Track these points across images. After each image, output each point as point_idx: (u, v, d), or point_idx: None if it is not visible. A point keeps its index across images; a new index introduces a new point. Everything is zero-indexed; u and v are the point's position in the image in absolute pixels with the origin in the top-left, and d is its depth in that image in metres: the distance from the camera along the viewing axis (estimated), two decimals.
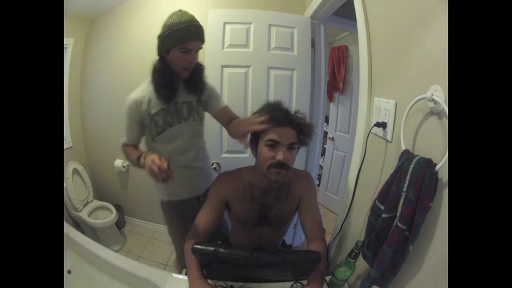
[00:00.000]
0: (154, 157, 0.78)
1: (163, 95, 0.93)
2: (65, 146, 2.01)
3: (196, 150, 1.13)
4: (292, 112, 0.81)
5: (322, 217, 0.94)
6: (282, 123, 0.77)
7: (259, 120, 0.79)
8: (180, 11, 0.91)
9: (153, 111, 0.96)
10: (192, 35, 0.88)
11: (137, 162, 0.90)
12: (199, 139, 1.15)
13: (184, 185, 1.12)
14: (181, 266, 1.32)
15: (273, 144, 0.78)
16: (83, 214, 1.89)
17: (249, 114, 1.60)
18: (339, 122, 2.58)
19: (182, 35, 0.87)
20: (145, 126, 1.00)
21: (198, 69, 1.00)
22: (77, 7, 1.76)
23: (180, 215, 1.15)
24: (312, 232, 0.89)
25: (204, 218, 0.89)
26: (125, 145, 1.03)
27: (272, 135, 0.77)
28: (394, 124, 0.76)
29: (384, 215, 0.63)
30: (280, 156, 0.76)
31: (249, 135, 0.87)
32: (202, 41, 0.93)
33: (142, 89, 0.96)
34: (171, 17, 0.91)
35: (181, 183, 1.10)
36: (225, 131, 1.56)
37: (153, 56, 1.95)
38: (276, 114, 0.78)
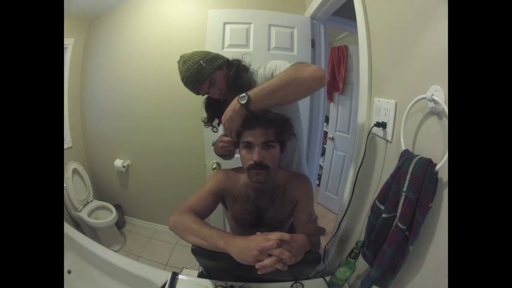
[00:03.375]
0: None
1: None
2: (65, 146, 2.02)
3: None
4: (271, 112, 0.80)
5: (322, 217, 0.94)
6: (252, 124, 0.77)
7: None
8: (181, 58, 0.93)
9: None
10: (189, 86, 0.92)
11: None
12: None
13: None
14: None
15: (248, 146, 0.79)
16: (83, 214, 1.89)
17: None
18: (339, 122, 2.58)
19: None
20: None
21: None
22: (77, 7, 1.77)
23: None
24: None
25: (194, 198, 0.84)
26: None
27: (245, 137, 0.78)
28: (394, 124, 0.76)
29: (384, 215, 0.63)
30: (255, 156, 0.76)
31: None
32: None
33: None
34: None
35: None
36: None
37: (152, 55, 1.95)
38: (244, 117, 0.78)
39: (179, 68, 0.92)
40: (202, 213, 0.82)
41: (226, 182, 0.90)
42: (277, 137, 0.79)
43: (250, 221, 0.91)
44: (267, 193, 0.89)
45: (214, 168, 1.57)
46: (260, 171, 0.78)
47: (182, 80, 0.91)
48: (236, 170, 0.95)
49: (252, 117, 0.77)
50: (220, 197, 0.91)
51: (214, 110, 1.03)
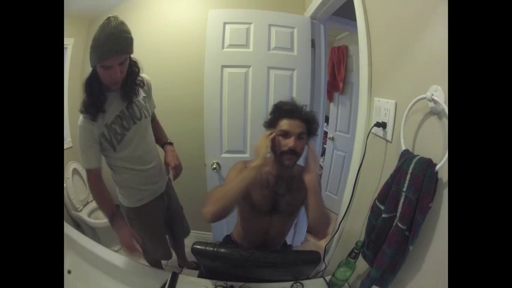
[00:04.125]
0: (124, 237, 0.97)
1: (88, 111, 0.91)
2: (65, 146, 2.01)
3: (152, 147, 1.16)
4: (300, 106, 0.91)
5: None
6: (291, 116, 0.89)
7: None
8: (108, 18, 0.85)
9: (109, 121, 0.96)
10: (108, 52, 0.84)
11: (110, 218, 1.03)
12: (151, 135, 1.17)
13: (149, 188, 1.16)
14: (154, 263, 1.38)
15: (285, 134, 0.88)
16: (83, 214, 1.89)
17: (249, 114, 1.60)
18: (339, 122, 2.57)
19: (100, 53, 0.84)
20: (105, 140, 0.97)
21: (130, 72, 0.98)
22: (77, 7, 1.76)
23: (151, 216, 1.20)
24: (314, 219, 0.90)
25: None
26: (90, 172, 0.99)
27: (284, 126, 0.88)
28: (394, 124, 0.76)
29: (384, 215, 0.63)
30: (291, 143, 0.86)
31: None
32: (123, 53, 0.89)
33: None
34: (98, 27, 0.86)
35: (146, 187, 1.15)
36: (224, 131, 1.57)
37: (152, 55, 1.94)
38: (285, 108, 0.90)
39: (100, 30, 0.84)
40: (232, 207, 0.87)
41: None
42: (306, 130, 0.91)
43: (267, 207, 0.98)
44: (285, 181, 0.97)
45: (214, 168, 1.57)
46: (292, 156, 0.88)
47: (110, 33, 0.83)
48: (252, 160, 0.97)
49: (292, 110, 0.89)
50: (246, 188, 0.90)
51: (94, 97, 0.92)
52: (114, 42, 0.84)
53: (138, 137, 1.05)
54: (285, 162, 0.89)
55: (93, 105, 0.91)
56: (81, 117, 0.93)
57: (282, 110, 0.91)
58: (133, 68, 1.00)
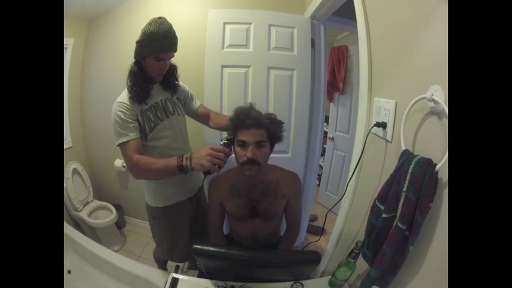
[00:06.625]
0: (208, 148, 0.87)
1: (136, 97, 0.98)
2: (65, 146, 2.01)
3: (186, 147, 1.18)
4: (257, 114, 0.90)
5: (322, 217, 0.97)
6: (246, 126, 0.88)
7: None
8: (160, 18, 0.95)
9: (144, 108, 1.01)
10: (166, 46, 0.95)
11: (174, 167, 0.88)
12: (186, 135, 1.22)
13: (180, 185, 1.13)
14: (161, 262, 1.36)
15: (242, 144, 0.89)
16: (83, 214, 1.89)
17: None
18: (339, 122, 2.58)
19: (157, 46, 0.93)
20: (138, 123, 1.01)
21: (171, 70, 1.08)
22: (77, 7, 1.76)
23: (177, 218, 1.16)
24: (291, 224, 1.12)
25: (212, 219, 1.06)
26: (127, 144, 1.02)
27: (240, 137, 0.89)
28: (394, 124, 0.76)
29: (384, 215, 0.63)
30: (248, 153, 0.86)
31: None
32: (175, 51, 1.01)
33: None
34: (150, 24, 0.94)
35: (178, 184, 1.12)
36: (224, 132, 1.57)
37: None
38: (240, 119, 0.89)
39: (155, 26, 0.92)
40: (222, 223, 1.08)
41: (219, 192, 1.02)
42: (268, 137, 0.90)
43: (246, 214, 1.00)
44: (260, 187, 0.98)
45: None
46: (252, 166, 0.88)
47: (166, 32, 0.93)
48: (224, 173, 1.03)
49: (247, 119, 0.87)
50: (222, 206, 1.03)
51: (140, 84, 0.99)
52: (170, 39, 0.96)
53: (171, 132, 1.08)
54: (246, 173, 0.89)
55: (140, 91, 0.99)
56: (123, 95, 1.02)
57: (236, 122, 0.90)
58: (173, 66, 1.10)
